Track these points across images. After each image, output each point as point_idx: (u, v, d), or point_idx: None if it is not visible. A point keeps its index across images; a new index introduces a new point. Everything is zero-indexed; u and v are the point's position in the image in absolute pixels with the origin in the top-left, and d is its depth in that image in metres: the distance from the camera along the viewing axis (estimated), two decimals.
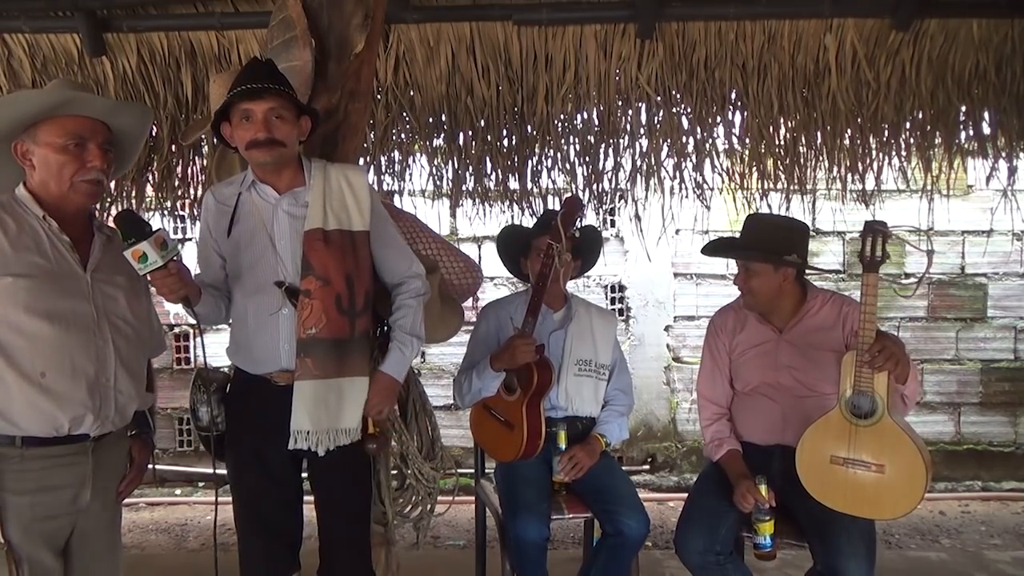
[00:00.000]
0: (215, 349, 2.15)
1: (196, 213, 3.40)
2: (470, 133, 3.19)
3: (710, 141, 3.21)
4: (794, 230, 2.37)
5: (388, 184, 3.33)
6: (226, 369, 2.16)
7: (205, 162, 3.27)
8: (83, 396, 1.65)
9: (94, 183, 1.71)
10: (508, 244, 2.75)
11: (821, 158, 3.24)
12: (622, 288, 4.99)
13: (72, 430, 1.65)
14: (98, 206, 1.98)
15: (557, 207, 2.77)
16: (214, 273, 2.06)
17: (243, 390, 2.07)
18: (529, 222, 3.28)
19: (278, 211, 1.98)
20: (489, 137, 3.18)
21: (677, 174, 3.26)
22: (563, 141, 3.22)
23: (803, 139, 3.19)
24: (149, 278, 1.73)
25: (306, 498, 2.12)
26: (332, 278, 1.91)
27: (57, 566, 1.68)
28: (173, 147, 3.20)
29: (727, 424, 2.44)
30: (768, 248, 2.29)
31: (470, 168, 3.27)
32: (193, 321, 2.04)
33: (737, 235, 2.45)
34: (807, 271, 2.44)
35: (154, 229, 1.70)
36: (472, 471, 3.19)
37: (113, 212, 3.30)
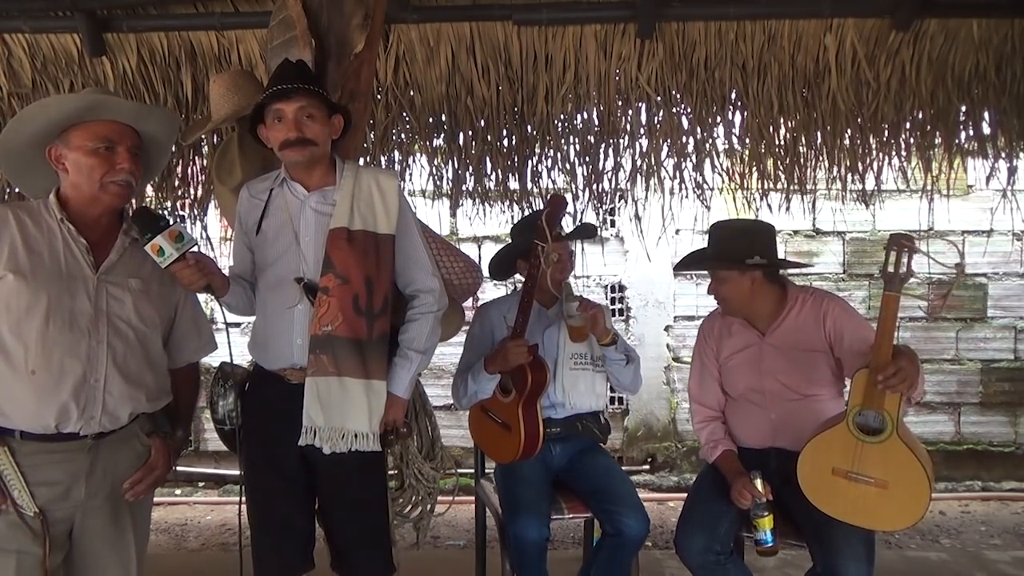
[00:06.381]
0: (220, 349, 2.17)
1: (196, 213, 3.41)
2: (470, 133, 3.19)
3: (710, 141, 3.21)
4: (757, 232, 2.35)
5: None
6: (247, 365, 2.19)
7: (205, 162, 3.27)
8: (67, 396, 1.67)
9: (123, 185, 1.77)
10: (500, 267, 2.75)
11: (821, 158, 3.24)
12: (622, 288, 5.00)
13: (60, 428, 1.67)
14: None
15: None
16: (245, 266, 2.10)
17: (259, 386, 2.09)
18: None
19: (306, 208, 2.01)
20: (489, 137, 3.18)
21: (677, 174, 3.26)
22: (563, 141, 3.22)
23: (803, 139, 3.19)
24: (171, 270, 1.78)
25: None
26: (352, 277, 1.92)
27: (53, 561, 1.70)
28: (173, 147, 3.20)
29: (721, 425, 2.44)
30: (730, 255, 2.28)
31: (470, 168, 3.27)
32: None
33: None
34: (781, 270, 2.43)
35: (170, 223, 1.76)
36: (472, 471, 3.19)
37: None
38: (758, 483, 2.17)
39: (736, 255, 2.27)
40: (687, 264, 2.53)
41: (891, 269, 1.94)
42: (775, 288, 2.36)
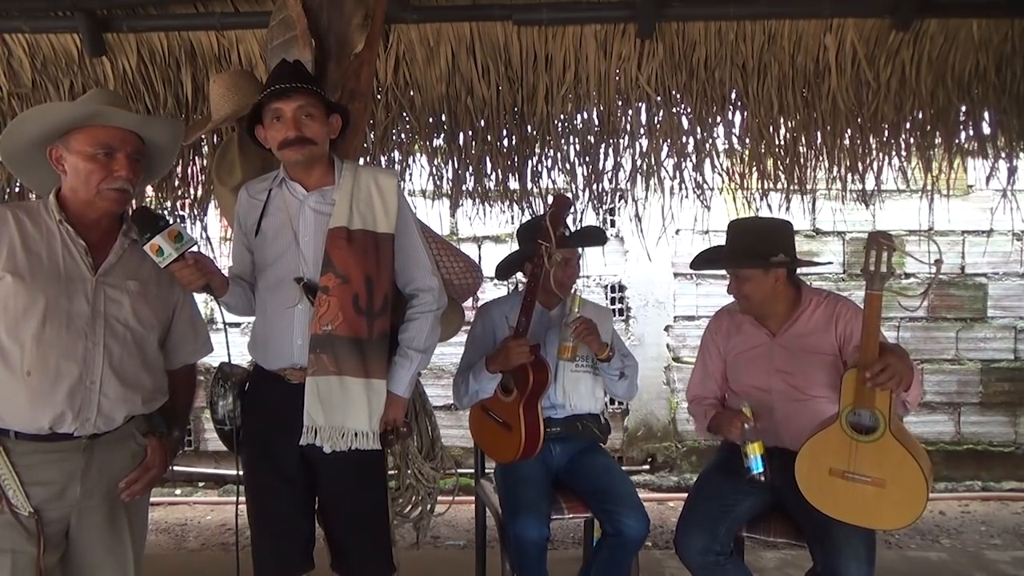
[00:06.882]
0: (219, 350, 2.17)
1: (196, 213, 3.41)
2: (470, 133, 3.19)
3: (710, 141, 3.20)
4: (777, 230, 2.36)
5: None
6: (247, 365, 2.19)
7: (205, 162, 3.27)
8: (62, 397, 1.67)
9: (120, 191, 1.77)
10: (506, 271, 2.75)
11: (821, 158, 3.23)
12: (622, 288, 4.99)
13: (54, 429, 1.67)
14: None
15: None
16: (244, 266, 2.11)
17: (259, 386, 2.09)
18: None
19: (305, 208, 2.01)
20: (489, 137, 3.17)
21: (677, 174, 3.26)
22: (563, 141, 3.22)
23: (803, 139, 3.19)
24: (170, 270, 1.78)
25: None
26: (352, 277, 1.92)
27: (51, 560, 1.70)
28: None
29: (714, 402, 2.48)
30: (754, 252, 2.28)
31: (470, 168, 3.26)
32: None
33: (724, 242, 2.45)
34: (799, 271, 2.44)
35: (169, 223, 1.76)
36: (472, 471, 3.19)
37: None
38: (746, 409, 2.20)
39: (759, 253, 2.27)
40: (705, 261, 2.51)
41: (872, 268, 1.94)
42: (791, 288, 2.37)
